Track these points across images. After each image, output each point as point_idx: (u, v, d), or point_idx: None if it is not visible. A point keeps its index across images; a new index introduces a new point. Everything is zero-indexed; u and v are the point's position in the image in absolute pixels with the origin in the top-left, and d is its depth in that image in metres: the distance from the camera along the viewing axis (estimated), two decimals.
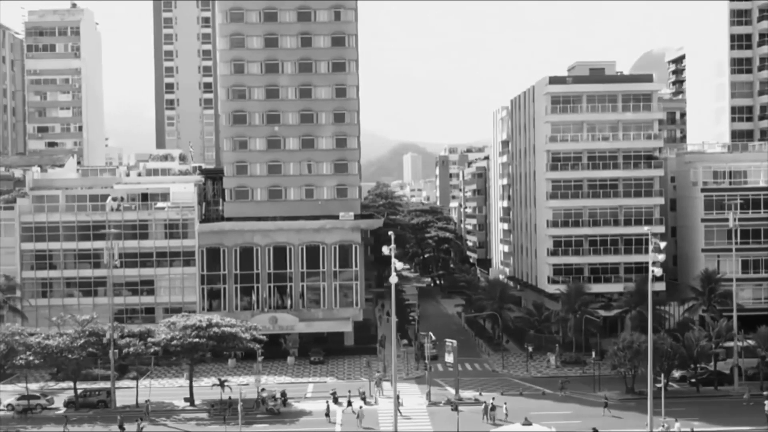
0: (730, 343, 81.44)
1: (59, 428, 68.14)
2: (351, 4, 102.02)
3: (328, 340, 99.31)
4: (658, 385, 67.34)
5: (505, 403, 70.95)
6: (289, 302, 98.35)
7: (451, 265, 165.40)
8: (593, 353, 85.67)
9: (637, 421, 66.40)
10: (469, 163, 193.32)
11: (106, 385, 78.88)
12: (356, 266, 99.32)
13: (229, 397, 73.96)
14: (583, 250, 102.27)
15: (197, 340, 75.60)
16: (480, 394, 77.72)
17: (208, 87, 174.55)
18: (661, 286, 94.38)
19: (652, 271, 57.95)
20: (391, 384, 76.99)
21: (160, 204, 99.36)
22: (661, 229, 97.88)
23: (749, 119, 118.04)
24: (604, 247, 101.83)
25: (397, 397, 64.90)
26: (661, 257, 58.69)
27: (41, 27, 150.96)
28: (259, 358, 79.61)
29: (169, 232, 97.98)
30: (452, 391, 78.58)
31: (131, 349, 76.07)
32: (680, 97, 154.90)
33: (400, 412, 66.29)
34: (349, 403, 73.01)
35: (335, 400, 74.64)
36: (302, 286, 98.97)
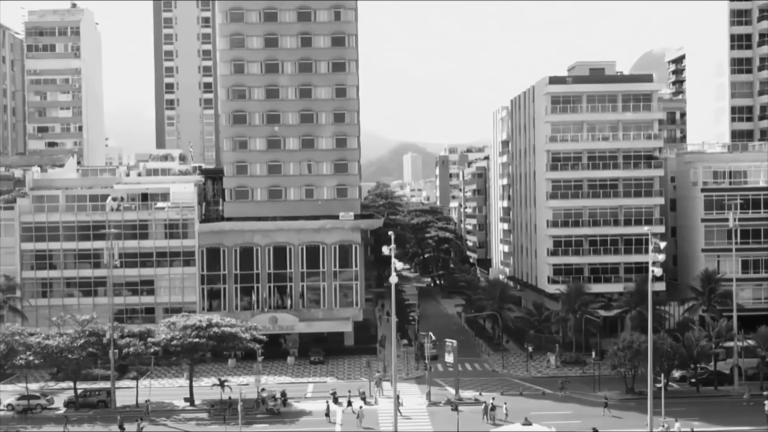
0: (730, 343, 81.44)
1: (59, 428, 68.14)
2: (351, 4, 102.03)
3: (328, 340, 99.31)
4: (658, 385, 67.34)
5: (505, 403, 70.95)
6: (289, 302, 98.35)
7: (451, 265, 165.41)
8: (593, 353, 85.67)
9: (637, 421, 66.40)
10: (469, 163, 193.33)
11: (106, 385, 78.88)
12: (356, 266, 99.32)
13: (229, 397, 73.97)
14: (583, 250, 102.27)
15: (197, 340, 75.59)
16: (480, 394, 77.71)
17: (208, 87, 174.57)
18: (661, 286, 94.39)
19: (653, 271, 57.94)
20: (391, 384, 77.12)
21: (160, 204, 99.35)
22: (661, 229, 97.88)
23: (749, 119, 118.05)
24: (604, 247, 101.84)
25: (397, 397, 64.90)
26: (662, 257, 58.69)
27: (41, 27, 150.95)
28: (259, 358, 79.60)
29: (169, 232, 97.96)
30: (452, 391, 78.58)
31: (131, 349, 76.06)
32: (680, 97, 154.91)
33: (400, 412, 66.26)
34: (349, 403, 73.01)
35: (335, 400, 74.64)
36: (302, 286, 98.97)
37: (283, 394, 76.23)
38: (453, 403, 72.50)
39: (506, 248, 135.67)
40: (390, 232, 63.82)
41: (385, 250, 61.35)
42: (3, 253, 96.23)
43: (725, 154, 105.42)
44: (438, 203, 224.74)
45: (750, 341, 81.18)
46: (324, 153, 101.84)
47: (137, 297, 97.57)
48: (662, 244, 59.80)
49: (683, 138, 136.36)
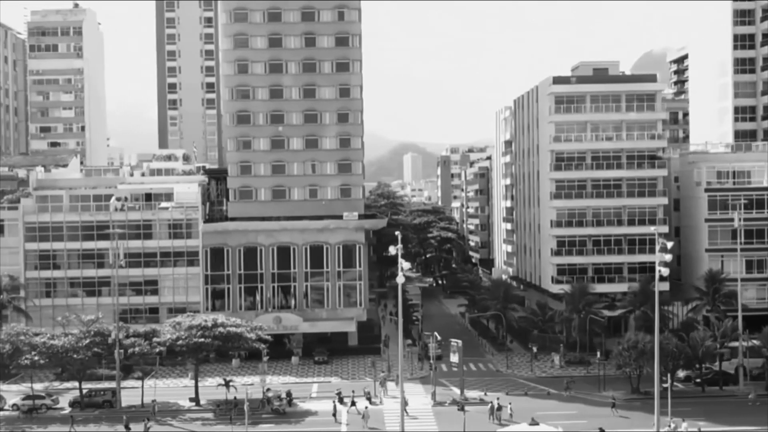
0: (735, 343, 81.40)
1: (65, 428, 68.15)
2: (355, 4, 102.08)
3: (331, 340, 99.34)
4: (664, 385, 67.28)
5: (510, 403, 70.96)
6: (293, 302, 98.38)
7: (454, 265, 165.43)
8: (598, 353, 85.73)
9: (644, 421, 66.39)
10: (471, 163, 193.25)
11: (111, 385, 78.90)
12: (360, 266, 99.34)
13: (235, 397, 74.02)
14: (587, 250, 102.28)
15: (203, 340, 75.55)
16: (485, 394, 77.69)
17: (210, 87, 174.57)
18: (664, 286, 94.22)
19: (659, 271, 57.89)
20: (396, 384, 77.14)
21: (163, 204, 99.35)
22: (665, 229, 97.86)
23: (752, 119, 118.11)
24: (608, 247, 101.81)
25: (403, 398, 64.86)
26: (668, 257, 58.70)
27: (44, 27, 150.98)
28: (264, 358, 79.55)
29: (173, 232, 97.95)
30: (457, 391, 78.57)
31: (136, 349, 76.06)
32: (682, 97, 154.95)
33: (406, 412, 66.24)
34: (353, 403, 73.03)
35: (340, 400, 74.64)
36: (306, 286, 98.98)
37: (289, 394, 76.26)
38: (459, 403, 72.54)
39: (509, 248, 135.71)
40: (397, 232, 64.00)
41: (392, 250, 61.40)
42: (7, 253, 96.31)
43: (729, 154, 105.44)
44: (440, 203, 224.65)
45: (755, 341, 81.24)
46: (328, 153, 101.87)
47: (141, 297, 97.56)
48: (669, 244, 59.81)
49: (686, 138, 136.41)
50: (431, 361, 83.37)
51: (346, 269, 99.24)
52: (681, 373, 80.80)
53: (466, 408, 69.05)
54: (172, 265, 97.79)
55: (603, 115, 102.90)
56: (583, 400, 76.42)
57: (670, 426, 62.89)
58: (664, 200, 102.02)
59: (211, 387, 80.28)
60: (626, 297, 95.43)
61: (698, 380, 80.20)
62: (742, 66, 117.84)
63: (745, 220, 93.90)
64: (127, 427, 66.84)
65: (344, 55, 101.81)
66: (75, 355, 74.95)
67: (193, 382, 79.46)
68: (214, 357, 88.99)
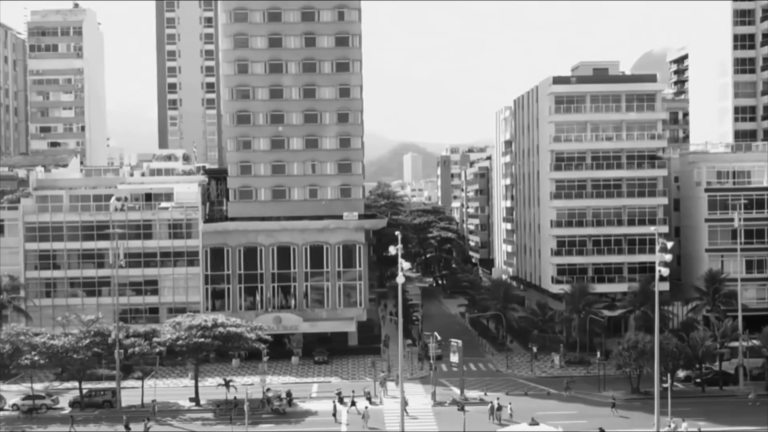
0: (735, 343, 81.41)
1: (65, 428, 68.14)
2: (355, 4, 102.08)
3: (331, 340, 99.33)
4: (664, 385, 67.26)
5: (510, 403, 70.95)
6: (293, 302, 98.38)
7: (453, 265, 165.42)
8: (598, 353, 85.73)
9: (644, 421, 66.39)
10: (471, 163, 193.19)
11: (111, 385, 78.89)
12: (360, 266, 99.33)
13: (235, 397, 74.01)
14: (587, 250, 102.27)
15: (203, 340, 75.53)
16: (485, 394, 77.68)
17: (210, 87, 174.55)
18: (664, 286, 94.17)
19: (659, 271, 57.88)
20: (396, 384, 77.13)
21: (163, 204, 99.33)
22: (665, 229, 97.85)
23: (752, 119, 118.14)
24: (608, 247, 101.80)
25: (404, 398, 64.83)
26: (668, 257, 58.69)
27: (44, 27, 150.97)
28: (265, 358, 79.54)
29: (173, 232, 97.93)
30: (457, 391, 78.56)
31: (136, 349, 76.04)
32: (682, 97, 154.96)
33: (406, 412, 66.23)
34: (353, 403, 73.03)
35: (340, 400, 74.63)
36: (306, 286, 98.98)
37: (289, 394, 76.25)
38: (459, 403, 72.53)
39: (509, 248, 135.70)
40: (397, 232, 64.01)
41: (392, 250, 61.40)
42: (7, 253, 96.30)
43: (729, 154, 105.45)
44: (439, 203, 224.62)
45: (755, 341, 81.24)
46: (328, 153, 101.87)
47: (141, 297, 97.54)
48: (669, 244, 59.80)
49: (685, 138, 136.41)
50: (431, 361, 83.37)
51: (346, 269, 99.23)
52: (681, 373, 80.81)
53: (466, 408, 69.05)
54: (172, 265, 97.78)
55: (603, 115, 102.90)
56: (583, 400, 76.42)
57: (670, 426, 62.89)
58: (664, 200, 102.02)
59: (211, 387, 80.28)
60: (626, 297, 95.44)
61: (698, 380, 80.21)
62: (742, 66, 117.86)
63: (745, 220, 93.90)
64: (127, 427, 66.84)
65: (344, 55, 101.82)
66: (75, 355, 74.94)
67: (193, 382, 79.47)
68: (214, 357, 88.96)
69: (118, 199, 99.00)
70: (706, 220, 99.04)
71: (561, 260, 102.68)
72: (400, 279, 62.59)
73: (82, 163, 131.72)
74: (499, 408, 69.12)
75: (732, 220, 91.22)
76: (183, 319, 79.79)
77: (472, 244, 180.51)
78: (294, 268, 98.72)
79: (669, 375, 70.05)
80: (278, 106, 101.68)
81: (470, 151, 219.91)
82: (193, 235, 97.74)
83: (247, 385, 77.80)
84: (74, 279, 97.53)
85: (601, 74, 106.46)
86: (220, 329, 76.51)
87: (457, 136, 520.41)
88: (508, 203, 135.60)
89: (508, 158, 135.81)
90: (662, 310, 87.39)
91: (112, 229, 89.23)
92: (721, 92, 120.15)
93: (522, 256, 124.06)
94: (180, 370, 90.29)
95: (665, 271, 58.16)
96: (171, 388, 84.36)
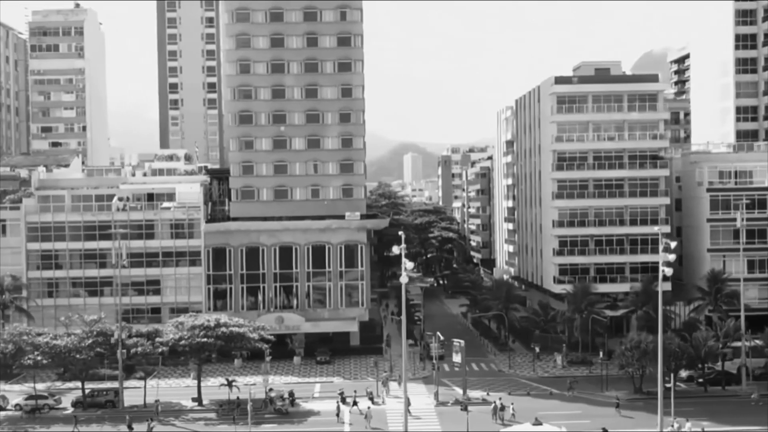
0: (738, 343, 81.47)
1: (67, 428, 68.13)
2: (357, 4, 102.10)
3: (333, 340, 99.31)
4: (667, 385, 67.31)
5: (513, 404, 70.95)
6: (295, 302, 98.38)
7: (455, 265, 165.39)
8: (600, 353, 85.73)
9: (647, 421, 66.42)
10: (473, 163, 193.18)
11: (113, 385, 78.88)
12: (362, 266, 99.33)
13: (237, 397, 74.01)
14: (589, 250, 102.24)
15: (205, 340, 75.55)
16: (488, 394, 77.69)
17: (212, 87, 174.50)
18: (666, 286, 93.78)
19: (663, 271, 57.88)
20: (398, 384, 77.15)
21: (165, 204, 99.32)
22: (667, 229, 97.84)
23: (754, 119, 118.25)
24: (610, 247, 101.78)
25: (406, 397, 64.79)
26: (672, 257, 58.69)
27: (45, 27, 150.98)
28: (267, 358, 79.58)
29: (175, 232, 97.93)
30: (459, 391, 78.59)
31: (139, 349, 76.03)
32: (683, 97, 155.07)
33: (409, 412, 66.20)
34: (355, 403, 73.02)
35: (343, 400, 74.60)
36: (308, 286, 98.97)
37: (291, 394, 76.25)
38: (462, 403, 72.52)
39: (511, 248, 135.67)
40: (400, 232, 64.02)
41: (395, 249, 61.48)
42: (9, 253, 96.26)
43: (730, 154, 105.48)
44: (440, 203, 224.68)
45: (757, 341, 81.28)
46: (330, 153, 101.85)
47: (143, 297, 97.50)
48: (672, 244, 59.81)
49: (687, 138, 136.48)
50: (434, 361, 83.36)
51: (348, 269, 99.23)
52: (683, 373, 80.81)
53: (469, 408, 69.03)
54: (175, 265, 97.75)
55: (605, 115, 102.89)
56: (586, 400, 76.39)
57: (673, 426, 62.91)
58: (666, 200, 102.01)
59: (214, 387, 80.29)
60: (628, 297, 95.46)
61: (701, 380, 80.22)
62: (744, 66, 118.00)
63: (747, 220, 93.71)
64: (129, 427, 66.84)
65: (346, 55, 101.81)
66: (77, 355, 74.99)
67: (195, 382, 79.53)
68: (217, 357, 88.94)
69: (120, 199, 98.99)
70: (708, 220, 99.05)
71: (563, 260, 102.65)
72: (403, 279, 62.59)
73: (83, 163, 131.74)
74: (502, 408, 69.13)
75: (734, 220, 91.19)
76: (186, 319, 79.84)
77: (473, 244, 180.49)
78: (296, 268, 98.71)
79: (672, 375, 70.01)
80: (280, 106, 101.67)
81: (471, 151, 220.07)
82: (195, 235, 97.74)
83: (250, 385, 77.81)
84: (76, 279, 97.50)
85: (602, 74, 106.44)
86: (223, 329, 76.56)
87: (457, 136, 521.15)
88: (510, 203, 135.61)
89: (509, 158, 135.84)
90: (665, 310, 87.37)
91: (115, 229, 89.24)
92: (722, 92, 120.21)
93: (524, 256, 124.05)
94: (182, 370, 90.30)
95: (669, 271, 58.22)
96: (173, 388, 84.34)
